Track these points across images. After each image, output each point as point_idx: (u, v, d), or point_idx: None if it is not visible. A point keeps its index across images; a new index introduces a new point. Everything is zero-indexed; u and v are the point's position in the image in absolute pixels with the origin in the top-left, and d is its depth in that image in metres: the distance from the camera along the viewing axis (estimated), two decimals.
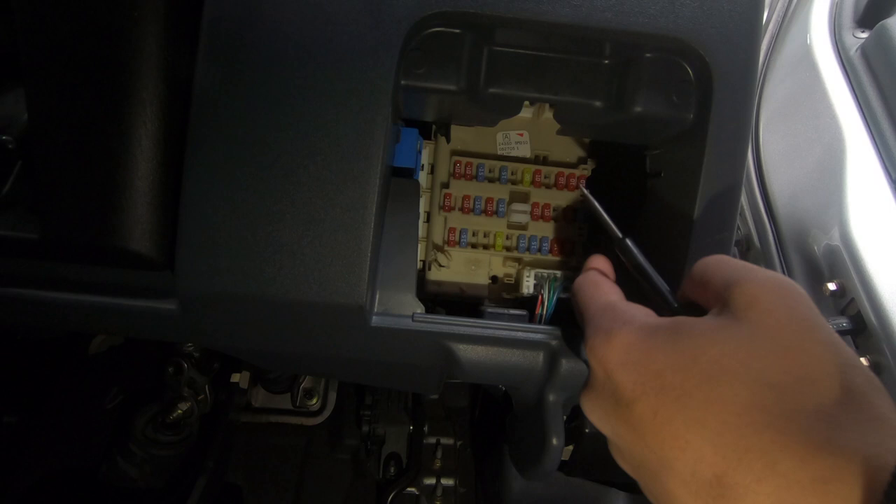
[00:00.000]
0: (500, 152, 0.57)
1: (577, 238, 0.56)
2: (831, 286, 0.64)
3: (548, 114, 0.51)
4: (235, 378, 0.88)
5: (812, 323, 0.26)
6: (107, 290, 0.46)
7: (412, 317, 0.46)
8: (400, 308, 0.47)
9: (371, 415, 0.96)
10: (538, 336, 0.47)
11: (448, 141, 0.56)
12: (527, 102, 0.50)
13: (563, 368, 0.46)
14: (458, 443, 0.98)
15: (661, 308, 0.37)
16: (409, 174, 0.51)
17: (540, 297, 0.52)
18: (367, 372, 0.55)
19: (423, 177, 0.55)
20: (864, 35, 0.79)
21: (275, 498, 0.92)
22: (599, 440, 0.50)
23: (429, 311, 0.47)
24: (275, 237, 0.42)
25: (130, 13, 0.39)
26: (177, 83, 0.41)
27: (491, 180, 0.56)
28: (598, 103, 0.47)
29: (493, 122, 0.53)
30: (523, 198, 0.56)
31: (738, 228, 0.86)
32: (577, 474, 0.67)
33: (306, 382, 0.97)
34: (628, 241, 0.40)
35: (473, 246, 0.55)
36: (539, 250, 0.55)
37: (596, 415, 0.32)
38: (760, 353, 0.25)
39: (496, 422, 0.95)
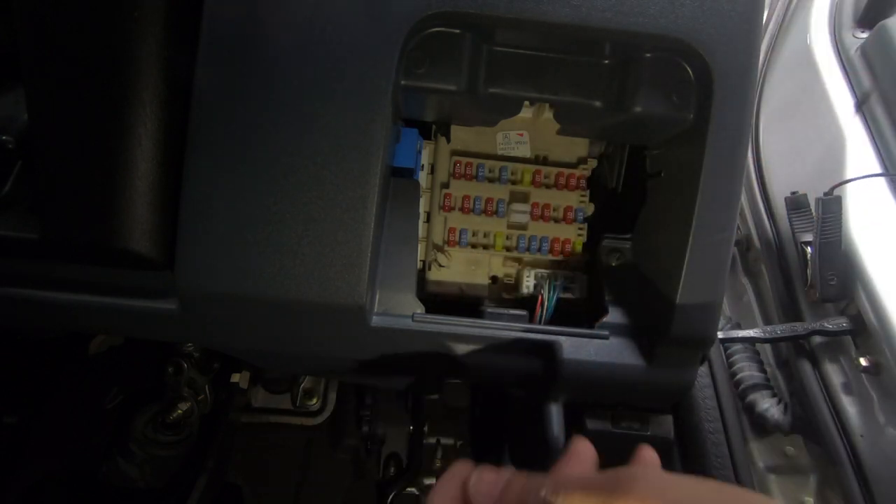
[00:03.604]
0: (500, 152, 0.57)
1: (577, 238, 0.56)
2: None
3: (548, 114, 0.51)
4: (235, 378, 0.88)
5: None
6: (107, 290, 0.46)
7: (412, 317, 0.46)
8: (400, 308, 0.47)
9: (371, 415, 0.96)
10: (538, 336, 0.47)
11: (448, 141, 0.56)
12: (527, 102, 0.50)
13: (563, 368, 0.46)
14: (458, 443, 0.98)
15: None
16: (409, 174, 0.51)
17: (540, 297, 0.52)
18: (367, 372, 0.55)
19: (423, 177, 0.55)
20: (864, 35, 0.79)
21: (275, 498, 0.92)
22: (599, 440, 0.50)
23: (429, 311, 0.47)
24: (275, 237, 0.42)
25: (130, 13, 0.39)
26: (177, 83, 0.41)
27: (491, 180, 0.56)
28: (598, 103, 0.47)
29: (493, 122, 0.53)
30: (523, 198, 0.56)
31: (738, 228, 0.85)
32: None
33: (306, 382, 0.97)
34: None
35: (473, 246, 0.55)
36: (539, 250, 0.55)
37: None
38: None
39: (496, 422, 0.95)
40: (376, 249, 0.45)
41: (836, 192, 0.66)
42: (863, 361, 0.61)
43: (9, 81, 0.44)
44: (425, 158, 0.56)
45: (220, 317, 0.46)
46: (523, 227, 0.56)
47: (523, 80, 0.46)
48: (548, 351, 0.47)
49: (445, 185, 0.56)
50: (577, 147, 0.57)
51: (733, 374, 0.70)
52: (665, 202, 0.50)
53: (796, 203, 0.71)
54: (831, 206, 0.64)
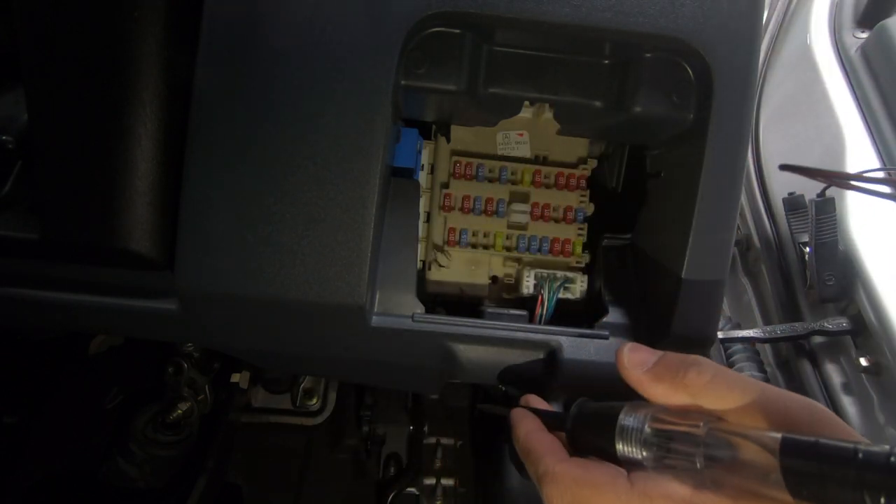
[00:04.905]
0: (500, 152, 0.57)
1: (577, 238, 0.56)
2: None
3: (548, 114, 0.51)
4: (235, 378, 0.88)
5: None
6: (107, 290, 0.46)
7: (412, 317, 0.46)
8: (400, 308, 0.47)
9: (371, 415, 0.96)
10: (538, 336, 0.47)
11: (448, 141, 0.56)
12: (527, 102, 0.50)
13: (562, 368, 0.46)
14: (458, 443, 0.98)
15: None
16: (409, 174, 0.51)
17: (540, 297, 0.52)
18: (367, 372, 0.55)
19: (423, 177, 0.55)
20: (864, 35, 0.79)
21: (275, 498, 0.92)
22: None
23: (429, 311, 0.47)
24: (275, 237, 0.42)
25: (130, 13, 0.39)
26: (177, 83, 0.41)
27: (491, 180, 0.56)
28: (598, 103, 0.47)
29: (493, 122, 0.53)
30: (523, 198, 0.56)
31: (738, 228, 0.85)
32: None
33: (306, 382, 0.97)
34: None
35: (473, 246, 0.55)
36: (539, 250, 0.55)
37: None
38: None
39: (496, 422, 0.94)
40: (376, 249, 0.45)
41: (833, 192, 0.66)
42: (863, 361, 0.61)
43: (9, 81, 0.44)
44: (425, 158, 0.56)
45: (220, 317, 0.46)
46: (523, 227, 0.56)
47: (523, 80, 0.46)
48: (548, 351, 0.47)
49: (445, 185, 0.56)
50: (577, 147, 0.57)
51: None
52: (665, 202, 0.50)
53: (794, 203, 0.71)
54: (825, 207, 0.65)
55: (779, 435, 0.25)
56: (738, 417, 0.30)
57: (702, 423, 0.28)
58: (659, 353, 0.34)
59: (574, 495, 0.32)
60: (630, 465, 0.31)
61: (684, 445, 0.28)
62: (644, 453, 0.30)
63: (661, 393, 0.33)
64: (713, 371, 0.31)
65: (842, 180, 0.62)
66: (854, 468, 0.23)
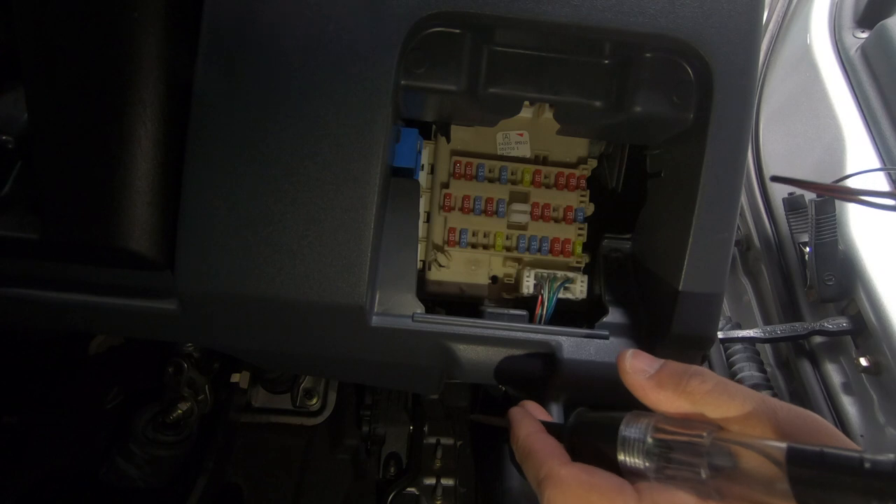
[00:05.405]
0: (500, 152, 0.57)
1: (577, 238, 0.56)
2: None
3: (548, 114, 0.51)
4: (235, 378, 0.88)
5: None
6: (107, 290, 0.46)
7: (412, 317, 0.46)
8: (400, 308, 0.47)
9: (371, 415, 0.96)
10: (538, 336, 0.47)
11: (448, 141, 0.56)
12: (527, 102, 0.50)
13: (562, 368, 0.46)
14: (458, 443, 0.98)
15: None
16: (409, 174, 0.51)
17: (540, 297, 0.52)
18: (367, 372, 0.55)
19: (423, 177, 0.55)
20: (864, 35, 0.79)
21: (275, 498, 0.92)
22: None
23: (429, 311, 0.47)
24: (275, 237, 0.42)
25: (130, 14, 0.39)
26: (177, 83, 0.41)
27: (491, 180, 0.56)
28: (598, 103, 0.47)
29: (493, 122, 0.53)
30: (523, 198, 0.56)
31: (739, 228, 0.85)
32: None
33: (306, 382, 0.97)
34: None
35: (473, 246, 0.55)
36: (539, 250, 0.55)
37: None
38: None
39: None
40: (376, 249, 0.45)
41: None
42: (863, 361, 0.61)
43: (9, 81, 0.44)
44: (425, 158, 0.56)
45: (220, 317, 0.46)
46: (523, 227, 0.56)
47: (523, 80, 0.46)
48: (548, 351, 0.47)
49: (445, 185, 0.56)
50: (577, 147, 0.57)
51: (733, 375, 0.70)
52: (665, 202, 0.50)
53: (794, 204, 0.71)
54: (825, 207, 0.64)
55: (784, 445, 0.25)
56: (737, 426, 0.30)
57: (705, 433, 0.28)
58: (661, 360, 0.34)
59: (579, 500, 0.32)
60: (632, 474, 0.31)
61: (688, 456, 0.28)
62: (647, 464, 0.30)
63: (664, 399, 0.33)
64: (715, 380, 0.31)
65: (834, 192, 0.62)
66: (860, 476, 0.23)
